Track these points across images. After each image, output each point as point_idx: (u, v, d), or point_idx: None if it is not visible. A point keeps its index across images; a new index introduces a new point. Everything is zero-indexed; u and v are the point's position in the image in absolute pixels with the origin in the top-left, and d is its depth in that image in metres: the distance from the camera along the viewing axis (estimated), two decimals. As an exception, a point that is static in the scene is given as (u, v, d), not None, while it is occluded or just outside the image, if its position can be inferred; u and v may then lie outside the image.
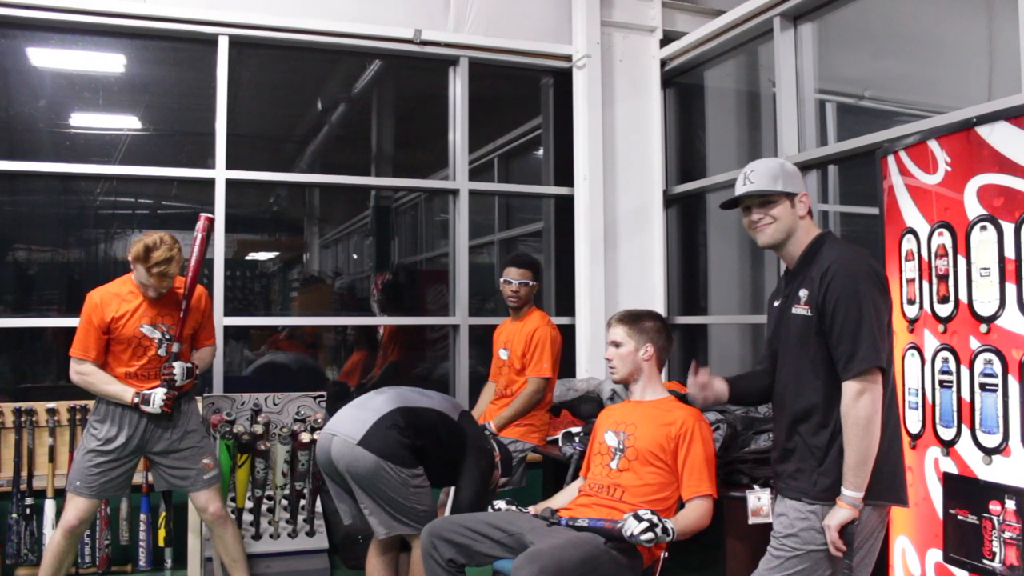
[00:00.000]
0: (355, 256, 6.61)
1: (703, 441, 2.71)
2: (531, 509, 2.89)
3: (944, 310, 2.34)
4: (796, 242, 2.29)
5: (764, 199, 2.30)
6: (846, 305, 2.09)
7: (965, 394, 2.25)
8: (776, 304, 2.37)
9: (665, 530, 2.47)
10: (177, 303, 3.31)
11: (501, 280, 3.92)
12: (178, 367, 3.24)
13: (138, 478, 3.42)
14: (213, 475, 3.40)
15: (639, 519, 2.46)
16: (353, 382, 5.29)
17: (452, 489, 3.58)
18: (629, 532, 2.45)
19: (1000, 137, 2.16)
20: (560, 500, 2.96)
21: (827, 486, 2.13)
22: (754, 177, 2.32)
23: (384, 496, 2.87)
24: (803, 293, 2.21)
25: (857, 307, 2.08)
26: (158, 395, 3.18)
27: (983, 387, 2.19)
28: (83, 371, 3.22)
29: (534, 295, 3.97)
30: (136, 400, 3.18)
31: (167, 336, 3.28)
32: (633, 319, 2.91)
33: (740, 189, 2.34)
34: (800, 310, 2.21)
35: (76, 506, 3.24)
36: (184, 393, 3.36)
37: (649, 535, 2.44)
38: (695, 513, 2.64)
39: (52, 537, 3.34)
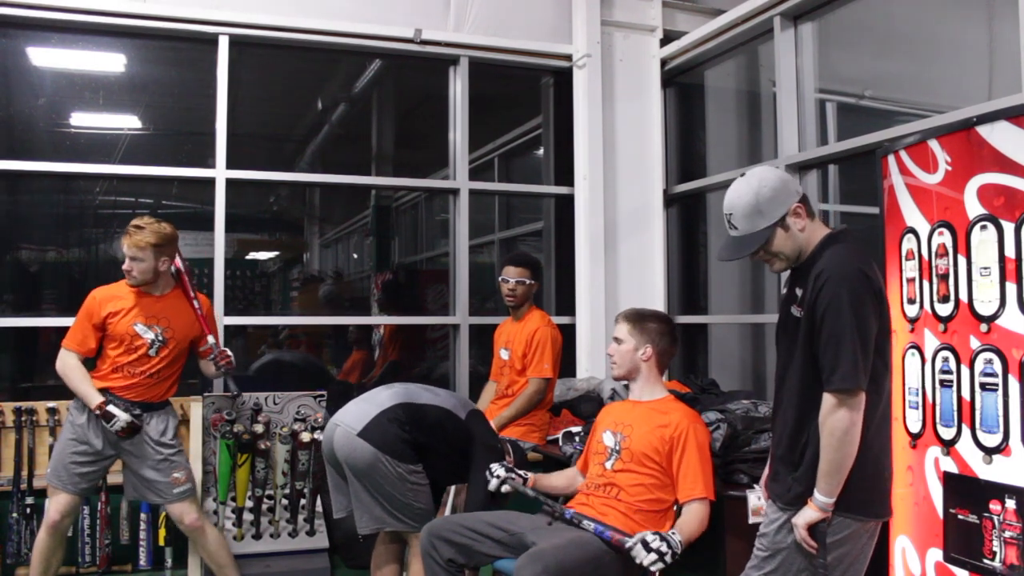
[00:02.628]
0: (355, 256, 6.62)
1: (698, 444, 2.70)
2: (530, 478, 2.91)
3: (944, 309, 2.34)
4: (808, 248, 2.23)
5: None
6: (833, 316, 2.05)
7: (965, 393, 2.25)
8: (785, 292, 2.34)
9: (675, 554, 2.43)
10: (177, 310, 3.40)
11: (500, 279, 3.92)
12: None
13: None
14: (183, 490, 3.41)
15: (648, 549, 2.42)
16: (353, 381, 5.29)
17: (452, 489, 3.59)
18: (639, 561, 2.43)
19: (1000, 136, 2.16)
20: (555, 482, 2.98)
21: (800, 493, 2.12)
22: (736, 222, 2.23)
23: (381, 490, 2.87)
24: (799, 293, 2.18)
25: (842, 320, 2.03)
26: (121, 420, 3.22)
27: (983, 387, 2.19)
28: (67, 363, 3.29)
29: (534, 294, 3.97)
30: (97, 413, 3.23)
31: (160, 338, 3.33)
32: (638, 318, 2.90)
33: (730, 231, 2.26)
34: (795, 311, 2.18)
35: (57, 501, 3.29)
36: (156, 407, 3.40)
37: (659, 566, 2.42)
38: (695, 518, 2.63)
39: (38, 536, 3.36)
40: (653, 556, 2.41)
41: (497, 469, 2.90)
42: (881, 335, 2.12)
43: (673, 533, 2.49)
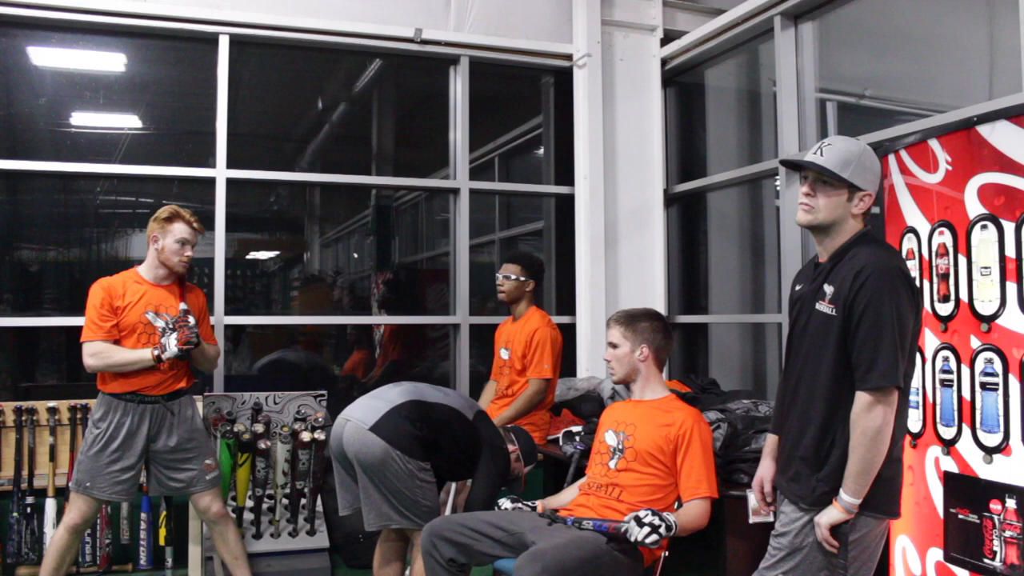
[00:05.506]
0: (356, 255, 6.61)
1: (702, 442, 2.71)
2: (538, 505, 2.90)
3: (945, 309, 2.34)
4: (837, 235, 2.16)
5: (822, 178, 2.13)
6: (874, 312, 2.00)
7: (966, 393, 2.25)
8: (799, 288, 2.28)
9: (668, 527, 2.47)
10: (178, 296, 3.36)
11: None
12: (191, 319, 3.27)
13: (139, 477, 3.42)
14: (215, 476, 3.43)
15: (641, 524, 2.46)
16: (356, 379, 5.30)
17: (452, 488, 3.60)
18: (634, 538, 2.46)
19: (1001, 136, 2.16)
20: (564, 499, 2.96)
21: (825, 493, 2.09)
22: (828, 152, 2.13)
23: (390, 486, 2.87)
24: (829, 289, 2.11)
25: (884, 317, 1.99)
26: (170, 340, 3.21)
27: (984, 386, 2.19)
28: (96, 351, 3.21)
29: (531, 292, 3.96)
30: (155, 353, 3.20)
31: (171, 325, 3.29)
32: (628, 320, 2.89)
33: (809, 156, 2.17)
34: (823, 307, 2.11)
35: (79, 506, 3.25)
36: (183, 393, 3.38)
37: (654, 537, 2.45)
38: (694, 512, 2.65)
39: (55, 533, 3.35)
40: (647, 530, 2.43)
41: (504, 503, 2.92)
42: (913, 336, 2.09)
43: (668, 513, 2.54)
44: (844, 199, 2.13)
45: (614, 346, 2.88)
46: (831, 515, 2.05)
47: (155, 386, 3.28)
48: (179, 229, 3.30)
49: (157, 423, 3.29)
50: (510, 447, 3.18)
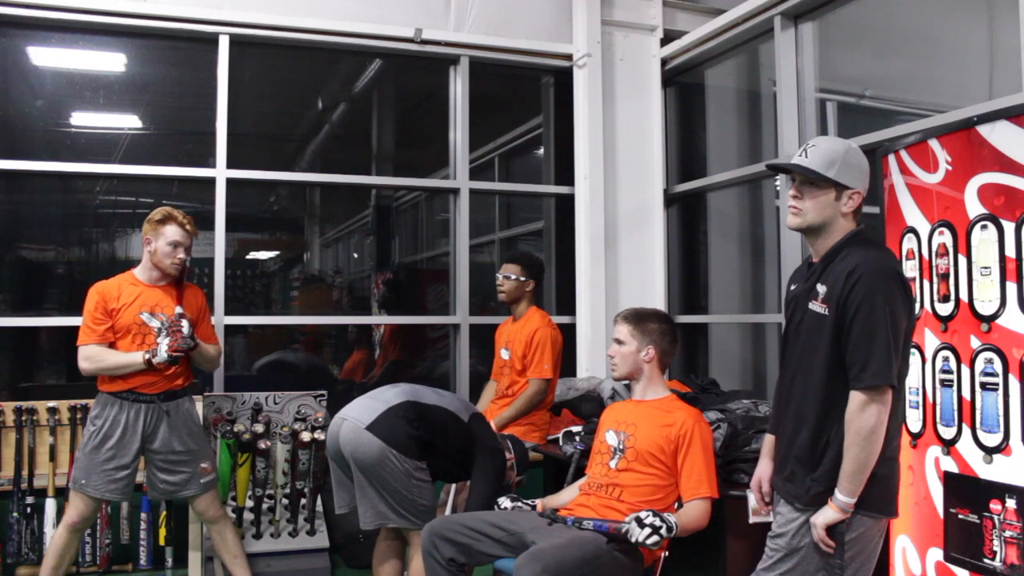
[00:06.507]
0: (356, 255, 6.61)
1: (702, 442, 2.71)
2: (538, 504, 2.90)
3: (945, 309, 2.34)
4: (829, 236, 2.15)
5: (808, 180, 2.13)
6: (867, 311, 2.00)
7: (966, 393, 2.25)
8: (793, 288, 2.28)
9: (669, 528, 2.47)
10: (175, 297, 3.36)
11: None
12: (186, 322, 3.27)
13: (139, 477, 3.42)
14: (210, 479, 3.42)
15: (642, 525, 2.46)
16: (355, 380, 5.30)
17: (452, 488, 3.60)
18: (635, 539, 2.46)
19: (1001, 136, 2.16)
20: (564, 498, 2.96)
21: (819, 493, 2.09)
22: (812, 153, 2.13)
23: (387, 486, 2.88)
24: (822, 289, 2.11)
25: (877, 316, 1.99)
26: (161, 345, 3.22)
27: (984, 386, 2.19)
28: (89, 354, 3.24)
29: (531, 293, 3.96)
30: (147, 357, 3.21)
31: (166, 324, 3.29)
32: (638, 319, 2.88)
33: (794, 158, 2.17)
34: (816, 307, 2.11)
35: (78, 505, 3.26)
36: (180, 393, 3.37)
37: (655, 539, 2.45)
38: (695, 512, 2.65)
39: (55, 533, 3.36)
40: (647, 531, 2.43)
41: (504, 502, 2.92)
42: (907, 335, 2.08)
43: (669, 514, 2.53)
44: (832, 199, 2.12)
45: (620, 343, 2.87)
46: (826, 515, 2.05)
47: (151, 384, 3.29)
48: (171, 231, 3.29)
49: (153, 422, 3.29)
50: (506, 453, 3.18)
